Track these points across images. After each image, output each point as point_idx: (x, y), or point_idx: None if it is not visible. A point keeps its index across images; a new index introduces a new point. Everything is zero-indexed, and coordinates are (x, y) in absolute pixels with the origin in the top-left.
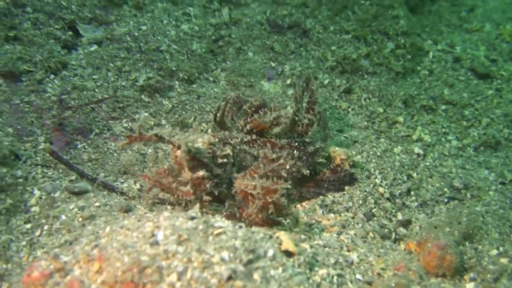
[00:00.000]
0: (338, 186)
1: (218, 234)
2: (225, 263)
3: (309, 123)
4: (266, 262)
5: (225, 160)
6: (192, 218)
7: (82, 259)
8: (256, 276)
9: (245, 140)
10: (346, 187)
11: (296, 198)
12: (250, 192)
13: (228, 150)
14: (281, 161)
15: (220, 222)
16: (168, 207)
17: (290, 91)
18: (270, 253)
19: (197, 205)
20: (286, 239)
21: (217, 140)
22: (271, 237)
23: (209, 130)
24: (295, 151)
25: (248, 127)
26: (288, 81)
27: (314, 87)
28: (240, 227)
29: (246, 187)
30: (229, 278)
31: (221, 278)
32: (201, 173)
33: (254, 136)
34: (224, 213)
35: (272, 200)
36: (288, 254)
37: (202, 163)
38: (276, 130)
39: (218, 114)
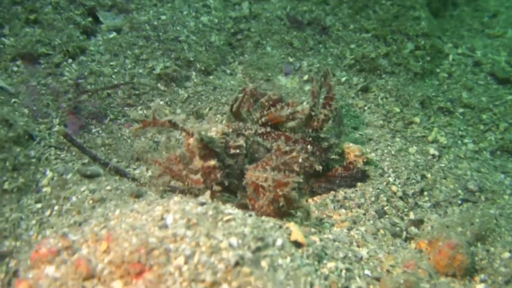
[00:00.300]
0: (350, 183)
1: (228, 220)
2: (233, 249)
3: (325, 119)
4: (274, 250)
5: (238, 151)
6: (202, 204)
7: (90, 239)
8: (264, 263)
9: (259, 132)
10: (359, 184)
11: (307, 193)
12: (261, 184)
13: (241, 141)
14: (294, 154)
15: (230, 209)
16: (179, 195)
17: (307, 87)
18: (279, 242)
19: (208, 192)
20: (295, 230)
21: (231, 130)
22: (280, 227)
23: (224, 121)
24: (309, 146)
25: (263, 119)
26: (305, 77)
27: (332, 83)
28: (250, 215)
29: (257, 179)
30: (236, 264)
31: (228, 264)
32: (212, 162)
33: (268, 129)
34: (236, 204)
35: (283, 193)
36: (297, 245)
37: (214, 152)
38: (291, 124)
39: (234, 105)
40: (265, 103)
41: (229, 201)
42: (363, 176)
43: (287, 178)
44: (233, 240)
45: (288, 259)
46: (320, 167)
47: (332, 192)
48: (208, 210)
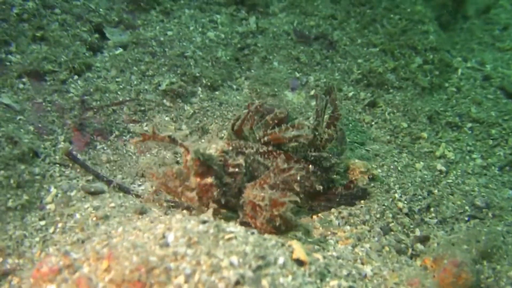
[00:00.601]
0: (350, 201)
1: (229, 239)
2: (233, 268)
3: (329, 139)
4: (275, 269)
5: (237, 169)
6: (204, 222)
7: (91, 257)
8: (265, 282)
9: (261, 150)
10: (363, 201)
11: (305, 211)
12: (257, 203)
13: (240, 160)
14: (292, 172)
15: (232, 227)
16: (183, 211)
17: (314, 102)
18: (281, 260)
19: (211, 210)
20: (298, 248)
21: (230, 148)
22: (283, 244)
23: (224, 137)
24: (310, 166)
25: (266, 138)
26: (312, 92)
27: (337, 102)
28: (252, 233)
29: (254, 198)
30: (237, 283)
31: (229, 283)
32: (209, 180)
33: (270, 148)
34: (239, 221)
35: (279, 213)
36: (299, 262)
37: (212, 170)
38: (294, 143)
39: (236, 123)
40: (270, 122)
41: (232, 218)
42: (364, 195)
43: (284, 198)
44: (234, 259)
45: (290, 277)
46: (321, 187)
47: (338, 208)
48: (209, 228)
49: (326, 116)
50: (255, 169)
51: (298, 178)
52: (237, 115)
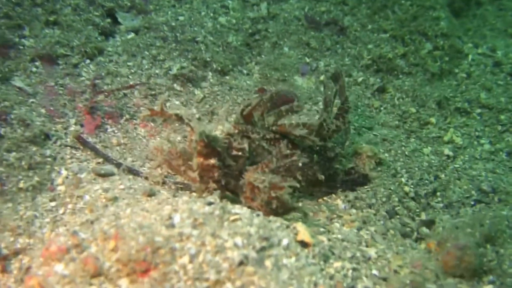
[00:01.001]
0: (351, 187)
1: (234, 220)
2: (238, 249)
3: (336, 130)
4: (279, 250)
5: (240, 153)
6: (210, 204)
7: (99, 237)
8: (268, 263)
9: (267, 137)
10: (371, 184)
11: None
12: (257, 185)
13: (245, 144)
14: (295, 158)
15: (238, 209)
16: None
17: (323, 88)
18: (285, 242)
19: (217, 192)
20: (302, 230)
21: (236, 131)
22: (288, 226)
23: (232, 120)
24: (315, 155)
25: (274, 128)
26: (322, 77)
27: (347, 93)
28: (258, 215)
29: (254, 180)
30: (241, 263)
31: (233, 263)
32: (212, 161)
33: (277, 135)
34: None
35: (276, 195)
36: (304, 244)
37: (216, 151)
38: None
39: (247, 108)
40: (284, 113)
41: (235, 200)
42: (365, 180)
43: (284, 183)
44: (238, 240)
45: (293, 258)
46: (323, 177)
47: (344, 192)
48: (215, 210)
49: (334, 108)
50: (259, 154)
51: (300, 164)
52: (248, 101)
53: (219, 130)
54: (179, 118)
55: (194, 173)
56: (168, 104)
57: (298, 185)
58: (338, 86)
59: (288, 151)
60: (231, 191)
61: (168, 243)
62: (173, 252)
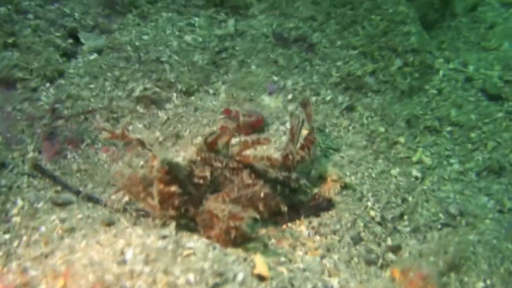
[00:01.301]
0: (315, 212)
1: (188, 255)
2: (190, 286)
3: (300, 160)
4: (234, 286)
5: (201, 181)
6: (164, 237)
7: (49, 274)
8: None
9: (230, 166)
10: (336, 209)
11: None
12: (216, 213)
13: (207, 172)
14: (257, 188)
15: (192, 242)
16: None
17: (291, 107)
18: (240, 276)
19: (173, 224)
20: (260, 262)
21: (199, 158)
22: (245, 259)
23: (195, 148)
24: (278, 186)
25: (237, 158)
26: (290, 96)
27: (313, 124)
28: (214, 248)
29: (214, 209)
30: None
31: None
32: (173, 188)
33: (240, 165)
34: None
35: (235, 226)
36: (261, 278)
37: (177, 178)
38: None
39: (209, 138)
40: (249, 144)
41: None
42: (329, 205)
43: (243, 213)
44: (191, 276)
45: None
46: (286, 208)
47: (308, 218)
48: (168, 244)
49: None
50: (221, 183)
51: (262, 195)
52: (211, 130)
53: (181, 156)
54: (141, 143)
55: (154, 200)
56: (130, 127)
57: (258, 216)
58: (305, 114)
59: (250, 181)
60: (190, 219)
61: (118, 281)
62: None
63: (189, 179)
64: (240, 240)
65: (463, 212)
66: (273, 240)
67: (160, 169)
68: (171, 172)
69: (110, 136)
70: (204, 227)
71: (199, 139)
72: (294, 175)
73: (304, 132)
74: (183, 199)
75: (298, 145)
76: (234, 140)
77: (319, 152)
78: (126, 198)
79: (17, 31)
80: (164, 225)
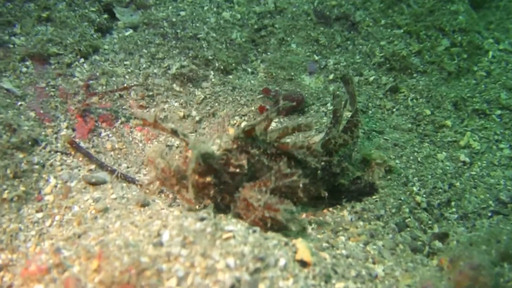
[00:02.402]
0: (357, 197)
1: (227, 238)
2: (229, 271)
3: (343, 144)
4: (275, 272)
5: (237, 170)
6: (202, 219)
7: (82, 255)
8: (262, 286)
9: (268, 152)
10: (380, 193)
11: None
12: (251, 202)
13: (243, 161)
14: (295, 178)
15: (232, 225)
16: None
17: (332, 87)
18: (282, 262)
19: (211, 205)
20: (302, 247)
21: (235, 146)
22: (286, 244)
23: (232, 135)
24: (319, 172)
25: (276, 144)
26: (331, 76)
27: (357, 105)
28: (254, 231)
29: (250, 198)
30: (232, 287)
31: (223, 287)
32: (208, 179)
33: (279, 151)
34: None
35: (270, 216)
36: (303, 263)
37: (212, 168)
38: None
39: (247, 127)
40: (289, 130)
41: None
42: (371, 190)
43: (280, 205)
44: (231, 261)
45: (291, 280)
46: (326, 193)
47: (351, 202)
48: (207, 226)
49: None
50: (258, 170)
51: (301, 185)
52: (253, 121)
53: (216, 145)
54: (174, 133)
55: (189, 193)
56: (166, 106)
57: (294, 208)
58: (348, 94)
59: (288, 170)
60: (226, 205)
61: (154, 264)
62: (159, 274)
63: (224, 168)
64: (277, 227)
65: None
66: (314, 225)
67: (195, 162)
68: (206, 163)
69: (142, 123)
70: (241, 210)
71: (236, 120)
72: (336, 159)
73: (347, 113)
74: (218, 189)
75: (341, 128)
76: (273, 123)
77: (362, 134)
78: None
79: (52, 5)
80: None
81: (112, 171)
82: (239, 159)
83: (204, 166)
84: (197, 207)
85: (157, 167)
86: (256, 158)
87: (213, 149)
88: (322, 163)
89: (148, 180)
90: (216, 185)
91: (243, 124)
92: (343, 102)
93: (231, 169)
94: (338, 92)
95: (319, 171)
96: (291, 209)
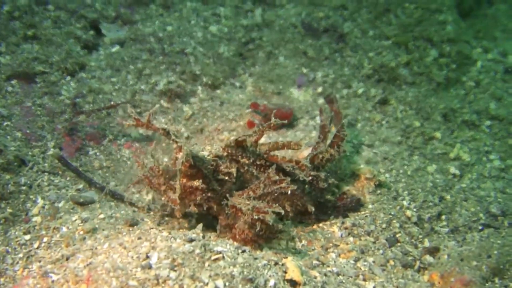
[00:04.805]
0: (343, 213)
1: (216, 260)
2: None
3: (330, 159)
4: None
5: (227, 177)
6: (191, 240)
7: (71, 279)
8: None
9: (257, 163)
10: (369, 208)
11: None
12: (239, 207)
13: (233, 169)
14: (283, 184)
15: (221, 246)
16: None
17: (321, 100)
18: (272, 282)
19: (200, 225)
20: (292, 267)
21: (225, 154)
22: (276, 263)
23: (223, 144)
24: (306, 186)
25: (266, 156)
26: (320, 89)
27: (342, 118)
28: (243, 251)
29: (239, 204)
30: None
31: None
32: (196, 183)
33: (268, 163)
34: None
35: (259, 217)
36: (293, 283)
37: (201, 173)
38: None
39: (240, 138)
40: (279, 146)
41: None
42: (357, 206)
43: (268, 208)
44: (220, 283)
45: None
46: (313, 208)
47: (340, 218)
48: (195, 248)
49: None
50: (247, 180)
51: (289, 192)
52: (245, 135)
53: (206, 151)
54: (166, 133)
55: (175, 194)
56: (154, 122)
57: (282, 211)
58: (332, 112)
59: (277, 177)
60: (213, 216)
61: (143, 287)
62: None
63: (213, 174)
64: (266, 233)
65: (505, 212)
66: (304, 241)
67: (184, 162)
68: (195, 166)
69: (135, 124)
70: (226, 226)
71: (224, 135)
72: (323, 174)
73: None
74: (206, 196)
75: (328, 142)
76: (263, 138)
77: (352, 148)
78: (150, 197)
79: (37, 22)
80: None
81: (100, 188)
82: (228, 167)
83: (193, 170)
84: (186, 225)
85: (145, 166)
86: (245, 168)
87: (203, 153)
88: (310, 178)
89: (135, 180)
90: (204, 191)
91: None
92: (330, 116)
93: (220, 176)
94: (325, 106)
95: (306, 186)
96: (280, 211)
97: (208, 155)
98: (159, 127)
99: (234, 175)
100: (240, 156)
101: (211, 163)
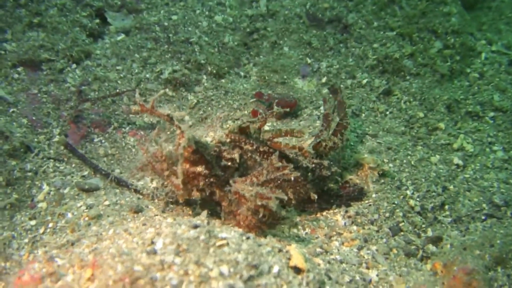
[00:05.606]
0: (346, 202)
1: (221, 246)
2: (223, 278)
3: (333, 147)
4: (269, 279)
5: (229, 163)
6: (196, 227)
7: (76, 264)
8: None
9: (260, 149)
10: (373, 197)
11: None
12: (243, 194)
13: (236, 155)
14: (286, 171)
15: (225, 232)
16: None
17: (325, 90)
18: (276, 269)
19: (204, 212)
20: (296, 254)
21: (228, 140)
22: (280, 250)
23: (226, 129)
24: (309, 174)
25: (269, 143)
26: (324, 79)
27: (346, 108)
28: (248, 238)
29: (242, 190)
30: None
31: None
32: (199, 168)
33: (271, 149)
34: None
35: (262, 204)
36: (297, 270)
37: (204, 159)
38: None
39: (244, 124)
40: (282, 133)
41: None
42: (360, 195)
43: (271, 194)
44: (224, 269)
45: (285, 287)
46: (316, 196)
47: (343, 207)
48: (200, 234)
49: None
50: (250, 166)
51: (292, 179)
52: (249, 119)
53: (210, 137)
54: (170, 119)
55: (178, 179)
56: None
57: (285, 197)
58: (336, 101)
59: (280, 164)
60: (216, 203)
61: (148, 272)
62: (153, 283)
63: (216, 160)
64: (270, 219)
65: (508, 202)
66: (307, 230)
67: (187, 147)
68: (198, 152)
69: (140, 109)
70: (229, 213)
71: (229, 123)
72: (326, 163)
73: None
74: (208, 181)
75: (331, 131)
76: (267, 126)
77: (356, 138)
78: (154, 184)
79: (43, 10)
80: (194, 213)
81: (105, 175)
82: (231, 153)
83: (196, 155)
84: (190, 212)
85: (148, 151)
86: (248, 154)
87: (206, 139)
88: (313, 165)
89: (139, 164)
90: (206, 176)
91: (238, 122)
92: (333, 105)
93: (223, 162)
94: (329, 96)
95: (309, 173)
96: (283, 197)
97: (211, 141)
98: (162, 113)
99: (237, 161)
100: (243, 143)
101: (215, 149)
